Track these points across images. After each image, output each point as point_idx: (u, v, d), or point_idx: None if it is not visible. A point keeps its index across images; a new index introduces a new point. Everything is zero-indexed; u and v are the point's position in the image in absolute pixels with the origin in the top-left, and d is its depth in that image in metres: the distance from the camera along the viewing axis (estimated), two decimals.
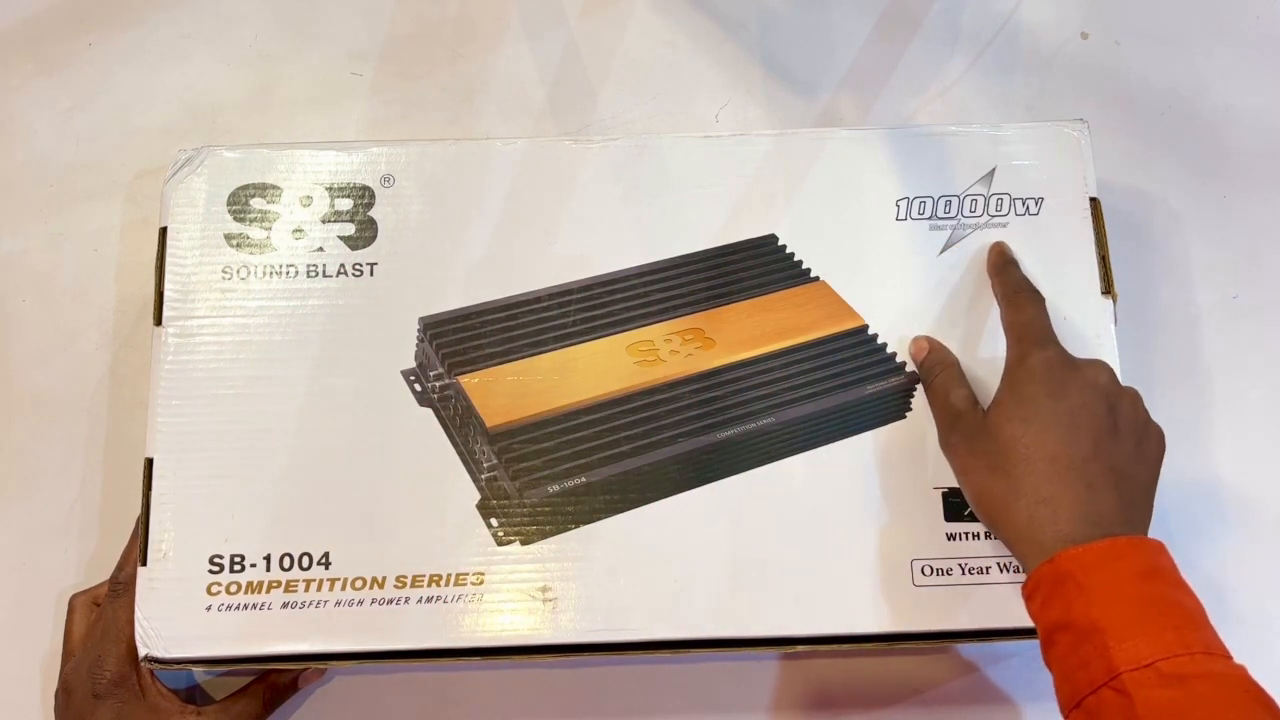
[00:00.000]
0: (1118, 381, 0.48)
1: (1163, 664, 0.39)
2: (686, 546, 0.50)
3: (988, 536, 0.51)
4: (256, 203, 0.55)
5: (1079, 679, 0.41)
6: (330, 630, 0.50)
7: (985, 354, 0.53)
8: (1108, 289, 0.54)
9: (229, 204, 0.55)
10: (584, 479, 0.51)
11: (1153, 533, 0.56)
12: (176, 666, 0.49)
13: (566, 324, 0.54)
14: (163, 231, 0.54)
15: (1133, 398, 0.48)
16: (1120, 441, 0.46)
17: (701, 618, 0.50)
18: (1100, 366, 0.48)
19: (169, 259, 0.54)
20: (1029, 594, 0.44)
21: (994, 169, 0.55)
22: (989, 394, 0.52)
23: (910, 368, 0.53)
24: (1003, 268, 0.53)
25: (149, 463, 0.51)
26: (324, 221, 0.55)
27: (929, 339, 0.52)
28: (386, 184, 0.55)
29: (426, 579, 0.50)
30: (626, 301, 0.55)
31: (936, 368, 0.51)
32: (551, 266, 0.55)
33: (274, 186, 0.55)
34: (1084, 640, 0.41)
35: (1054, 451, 0.45)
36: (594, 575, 0.50)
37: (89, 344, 0.61)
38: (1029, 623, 0.50)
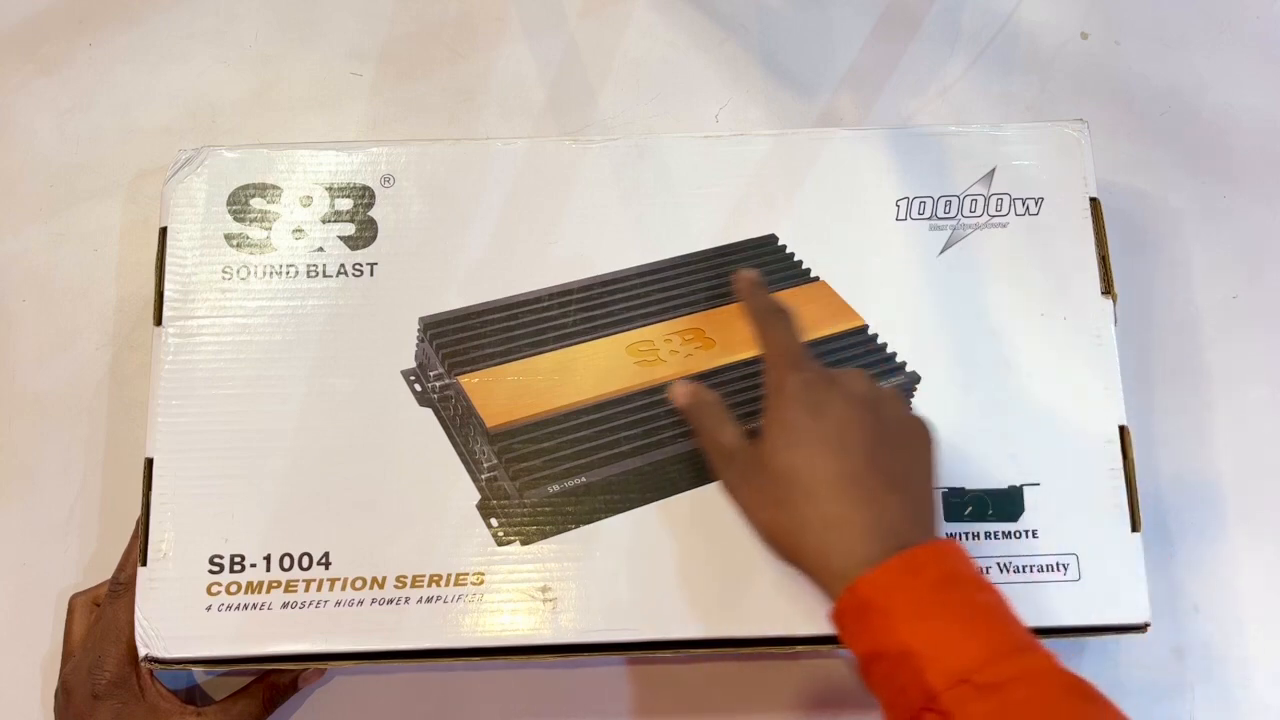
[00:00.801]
0: (875, 385, 0.47)
1: (976, 675, 0.39)
2: (686, 546, 0.50)
3: (988, 536, 0.51)
4: (256, 203, 0.55)
5: (900, 705, 0.40)
6: (330, 630, 0.50)
7: (985, 355, 0.53)
8: (1108, 289, 0.54)
9: (229, 204, 0.55)
10: (584, 479, 0.51)
11: (1153, 534, 0.57)
12: (176, 666, 0.49)
13: (566, 324, 0.54)
14: (163, 231, 0.54)
15: (892, 398, 0.47)
16: (891, 446, 0.45)
17: (701, 618, 0.50)
18: (855, 375, 0.47)
19: (169, 259, 0.54)
20: (837, 625, 0.43)
21: (994, 169, 0.55)
22: (989, 395, 0.52)
23: (910, 367, 0.53)
24: (750, 293, 0.52)
25: (149, 463, 0.51)
26: (324, 221, 0.55)
27: (685, 383, 0.51)
28: (386, 184, 0.55)
29: (426, 579, 0.50)
30: (626, 301, 0.55)
31: (699, 409, 0.49)
32: (551, 266, 0.55)
33: (274, 186, 0.55)
34: (898, 666, 0.40)
35: (831, 472, 0.44)
36: (594, 575, 0.50)
37: (89, 344, 0.61)
38: (1029, 623, 0.50)
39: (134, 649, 0.49)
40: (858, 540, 0.42)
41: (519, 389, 0.52)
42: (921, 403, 0.53)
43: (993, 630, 0.41)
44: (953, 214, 0.55)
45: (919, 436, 0.47)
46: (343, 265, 0.54)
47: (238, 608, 0.50)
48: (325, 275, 0.54)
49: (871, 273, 0.55)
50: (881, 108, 0.65)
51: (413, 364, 0.53)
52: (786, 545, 0.45)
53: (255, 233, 0.54)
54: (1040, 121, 0.56)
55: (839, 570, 0.42)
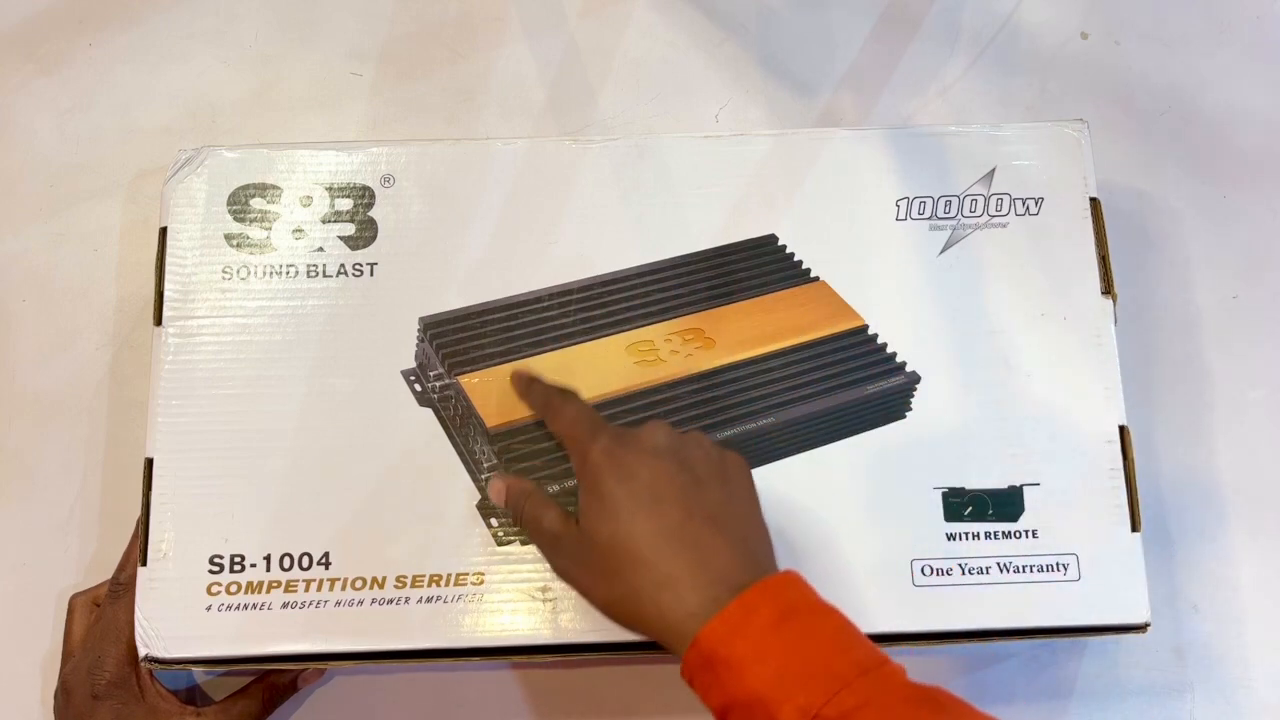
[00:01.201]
0: (675, 433, 0.46)
1: (825, 709, 0.38)
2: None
3: (988, 537, 0.51)
4: (256, 203, 0.55)
5: None
6: (330, 630, 0.50)
7: (985, 355, 0.53)
8: (1108, 289, 0.54)
9: (229, 204, 0.55)
10: None
11: (1153, 534, 0.57)
12: (176, 666, 0.49)
13: (566, 324, 0.54)
14: (163, 231, 0.54)
15: (697, 440, 0.47)
16: (705, 489, 0.45)
17: None
18: (654, 427, 0.46)
19: (169, 259, 0.54)
20: (689, 683, 0.42)
21: (994, 169, 0.55)
22: (989, 395, 0.52)
23: (910, 368, 0.53)
24: (528, 387, 0.51)
25: (149, 463, 0.51)
26: (324, 221, 0.55)
27: (501, 476, 0.50)
28: (386, 184, 0.55)
29: (426, 579, 0.50)
30: (626, 301, 0.55)
31: (520, 499, 0.49)
32: (551, 266, 0.55)
33: (274, 186, 0.55)
34: (751, 713, 0.40)
35: (649, 532, 0.43)
36: None
37: (89, 344, 0.61)
38: (1029, 623, 0.50)
39: (134, 649, 0.49)
40: (690, 594, 0.42)
41: None
42: (921, 403, 0.53)
43: (836, 656, 0.40)
44: (953, 214, 0.55)
45: (733, 470, 0.46)
46: (343, 265, 0.54)
47: (238, 608, 0.50)
48: (325, 275, 0.54)
49: (871, 273, 0.55)
50: (881, 108, 0.65)
51: (413, 364, 0.53)
52: (627, 616, 0.44)
53: (255, 233, 0.54)
54: (1040, 121, 0.56)
55: (679, 629, 0.42)
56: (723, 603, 0.41)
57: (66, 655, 0.53)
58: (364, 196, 0.55)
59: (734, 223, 0.55)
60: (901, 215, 0.55)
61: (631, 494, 0.44)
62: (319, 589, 0.50)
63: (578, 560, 0.45)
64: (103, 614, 0.52)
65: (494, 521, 0.51)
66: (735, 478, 0.46)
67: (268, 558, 0.50)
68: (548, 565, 0.50)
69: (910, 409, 0.53)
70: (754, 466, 0.51)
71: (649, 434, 0.46)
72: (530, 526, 0.48)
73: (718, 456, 0.46)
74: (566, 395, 0.50)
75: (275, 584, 0.50)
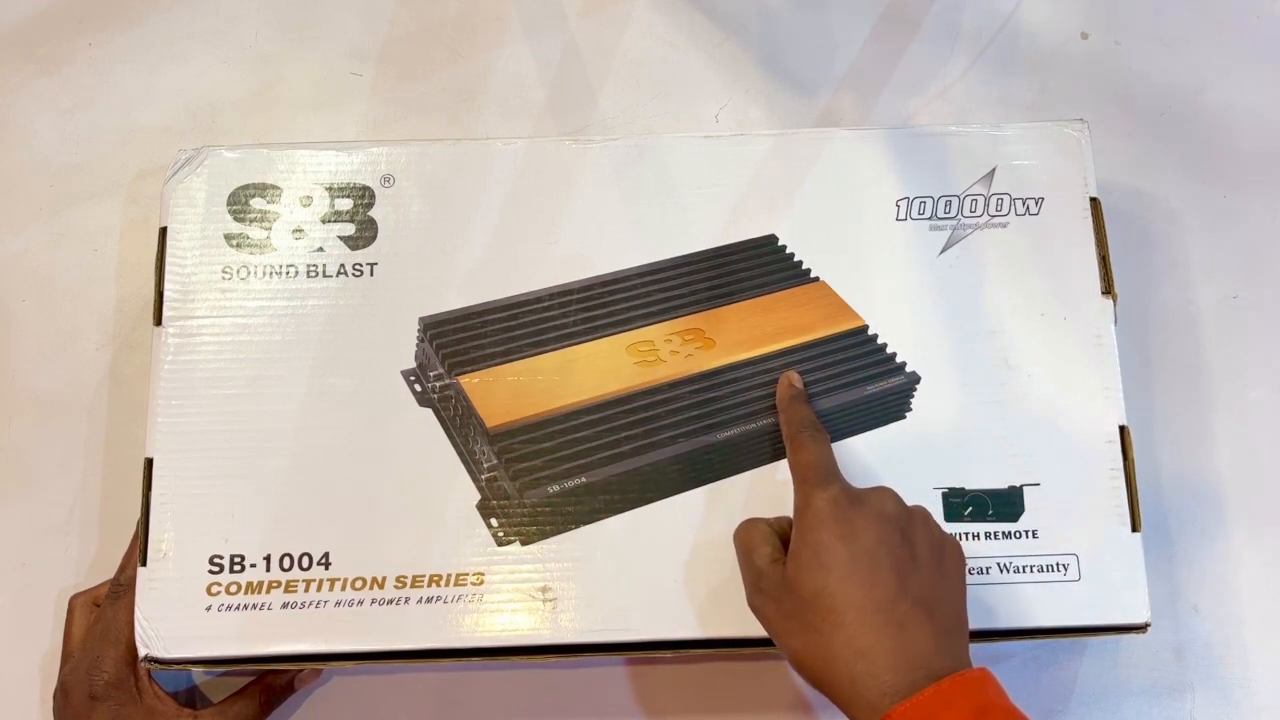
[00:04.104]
0: (904, 505, 0.46)
1: None
2: (686, 546, 0.50)
3: (988, 537, 0.51)
4: (256, 203, 0.55)
5: None
6: (330, 630, 0.50)
7: (985, 355, 0.53)
8: (1108, 289, 0.54)
9: (229, 204, 0.55)
10: (584, 479, 0.51)
11: (1153, 534, 0.57)
12: (176, 667, 0.49)
13: (566, 324, 0.54)
14: (163, 231, 0.54)
15: (923, 518, 0.46)
16: (922, 570, 0.44)
17: (701, 618, 0.50)
18: (885, 494, 0.46)
19: (169, 259, 0.54)
20: None
21: (994, 169, 0.55)
22: (989, 395, 0.52)
23: (910, 368, 0.53)
24: (789, 403, 0.51)
25: (149, 463, 0.51)
26: (324, 221, 0.55)
27: (745, 521, 0.48)
28: (386, 184, 0.55)
29: (426, 579, 0.50)
30: (626, 301, 0.55)
31: (746, 529, 0.48)
32: (551, 266, 0.55)
33: (274, 186, 0.55)
34: None
35: (859, 599, 0.43)
36: (594, 575, 0.50)
37: (89, 344, 0.61)
38: (1029, 623, 0.50)
39: (133, 650, 0.49)
40: (885, 671, 0.41)
41: (519, 389, 0.52)
42: (921, 403, 0.53)
43: None
44: (953, 214, 0.55)
45: (950, 557, 0.46)
46: (343, 265, 0.54)
47: (238, 608, 0.50)
48: (325, 275, 0.54)
49: (871, 273, 0.55)
50: (881, 108, 0.65)
51: (413, 364, 0.53)
52: (816, 673, 0.44)
53: (255, 233, 0.54)
54: (1040, 121, 0.56)
55: (869, 702, 0.41)
56: (919, 687, 0.41)
57: (66, 655, 0.53)
58: (364, 196, 0.55)
59: (734, 223, 0.55)
60: (901, 215, 0.55)
61: (850, 554, 0.43)
62: (319, 589, 0.50)
63: (775, 601, 0.45)
64: (102, 614, 0.52)
65: (494, 521, 0.51)
66: (951, 565, 0.46)
67: (268, 558, 0.50)
68: (548, 565, 0.50)
69: (910, 409, 0.53)
70: (754, 466, 0.52)
71: (878, 498, 0.45)
72: (741, 552, 0.47)
73: (938, 539, 0.46)
74: (815, 434, 0.49)
75: (275, 584, 0.50)
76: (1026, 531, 0.51)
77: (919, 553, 0.45)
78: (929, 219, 0.55)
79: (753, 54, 0.66)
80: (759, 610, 0.46)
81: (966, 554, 0.51)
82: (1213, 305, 0.62)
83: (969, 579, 0.50)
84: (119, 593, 0.52)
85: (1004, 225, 0.55)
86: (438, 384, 0.53)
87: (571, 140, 0.56)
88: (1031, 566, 0.51)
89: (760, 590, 0.46)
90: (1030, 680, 0.56)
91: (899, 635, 0.42)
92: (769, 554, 0.46)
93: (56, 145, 0.64)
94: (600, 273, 0.55)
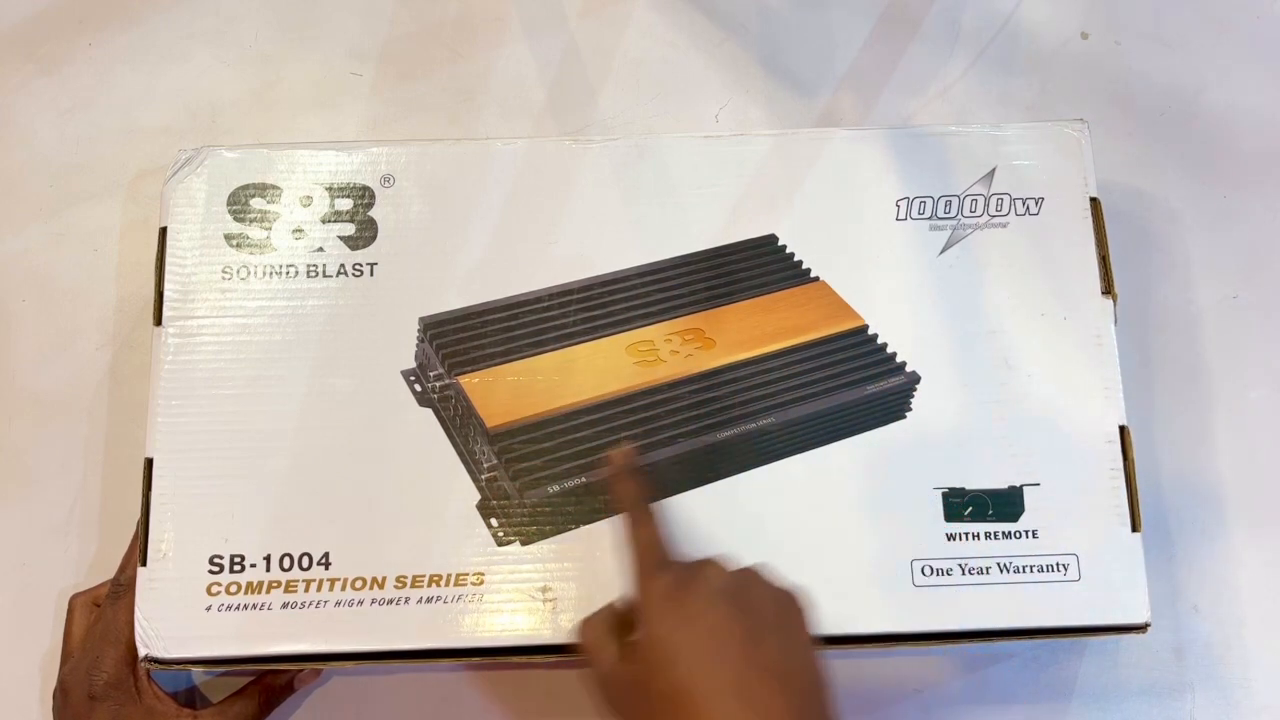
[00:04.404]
0: (732, 572, 0.45)
1: None
2: (686, 546, 0.50)
3: (988, 537, 0.51)
4: (256, 203, 0.55)
5: None
6: (330, 630, 0.50)
7: (985, 355, 0.53)
8: (1108, 289, 0.54)
9: (229, 204, 0.55)
10: (584, 479, 0.51)
11: (1153, 534, 0.57)
12: (176, 667, 0.49)
13: (566, 324, 0.54)
14: (163, 231, 0.54)
15: (755, 578, 0.45)
16: (767, 638, 0.43)
17: None
18: (713, 567, 0.44)
19: (169, 259, 0.54)
20: None
21: (994, 169, 0.55)
22: (989, 395, 0.52)
23: (910, 368, 0.53)
24: (620, 479, 0.49)
25: (149, 463, 0.51)
26: (324, 221, 0.55)
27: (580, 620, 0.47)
28: (386, 184, 0.55)
29: (426, 579, 0.50)
30: (626, 301, 0.55)
31: (585, 631, 0.46)
32: (551, 266, 0.55)
33: (274, 186, 0.55)
34: None
35: (710, 688, 0.41)
36: (594, 575, 0.50)
37: (89, 344, 0.61)
38: (1029, 623, 0.50)
39: (133, 650, 0.49)
40: None
41: (519, 389, 0.52)
42: (921, 403, 0.53)
43: None
44: (953, 214, 0.55)
45: (792, 610, 0.45)
46: (343, 265, 0.54)
47: (238, 608, 0.50)
48: (325, 275, 0.54)
49: (871, 273, 0.55)
50: (881, 108, 0.65)
51: (413, 364, 0.53)
52: None
53: (255, 233, 0.54)
54: (1040, 121, 0.56)
55: None
56: None
57: (65, 655, 0.53)
58: (364, 196, 0.55)
59: (734, 223, 0.55)
60: (901, 215, 0.55)
61: (692, 642, 0.42)
62: (319, 589, 0.50)
63: (625, 700, 0.44)
64: (102, 614, 0.52)
65: (494, 521, 0.51)
66: (795, 619, 0.44)
67: (268, 558, 0.50)
68: (548, 565, 0.50)
69: (910, 409, 0.53)
70: (754, 466, 0.52)
71: (709, 574, 0.44)
72: (586, 654, 0.46)
73: (776, 594, 0.45)
74: (646, 514, 0.47)
75: (275, 584, 0.50)
76: (1026, 531, 0.51)
77: (761, 618, 0.43)
78: (929, 219, 0.55)
79: (753, 54, 0.66)
80: (614, 711, 0.44)
81: (967, 554, 0.51)
82: (1213, 305, 0.62)
83: (971, 579, 0.50)
84: (119, 593, 0.52)
85: (1004, 225, 0.55)
86: (438, 384, 0.53)
87: (571, 140, 0.56)
88: (1031, 566, 0.51)
89: (610, 700, 0.44)
90: (1030, 680, 0.56)
91: (752, 712, 0.41)
92: (614, 653, 0.44)
93: (56, 145, 0.64)
94: (600, 273, 0.55)
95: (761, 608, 0.44)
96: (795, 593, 0.45)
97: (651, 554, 0.46)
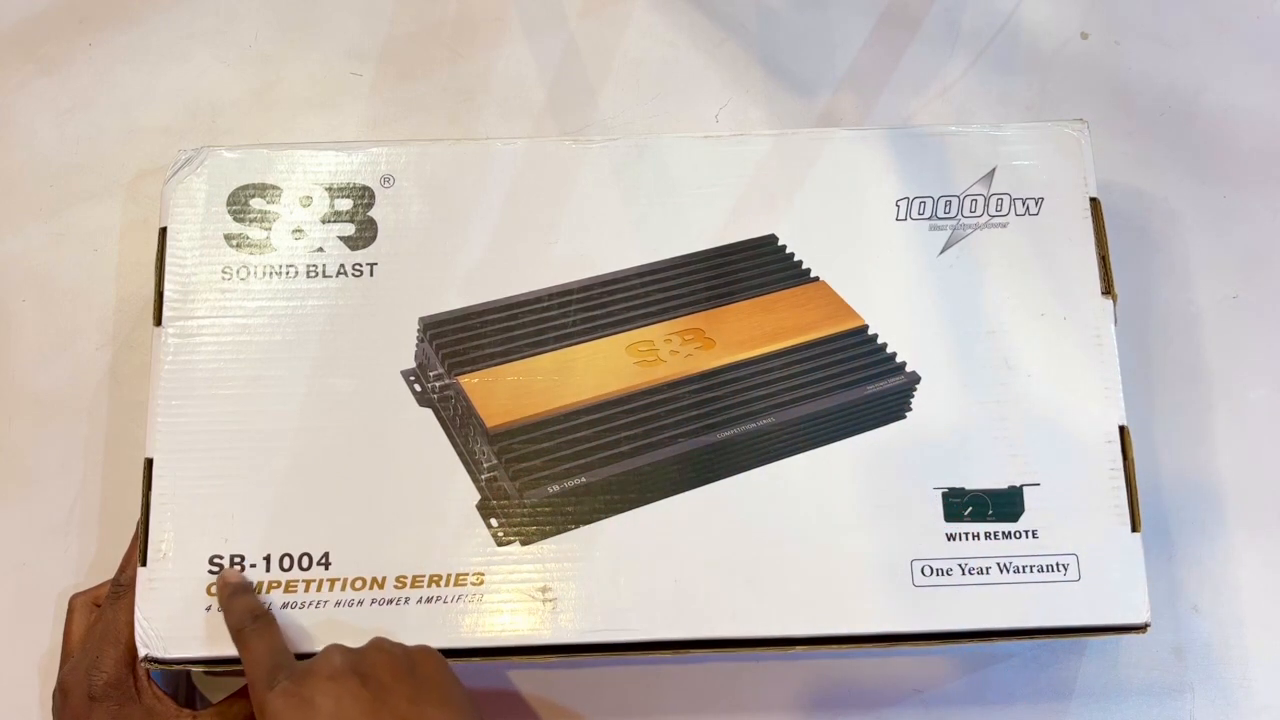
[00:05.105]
0: (353, 650, 0.46)
1: None
2: (686, 546, 0.50)
3: (988, 537, 0.51)
4: (256, 203, 0.55)
5: None
6: (330, 630, 0.50)
7: (985, 355, 0.53)
8: (1108, 289, 0.54)
9: (229, 204, 0.55)
10: (584, 479, 0.51)
11: (1153, 534, 0.57)
12: (176, 666, 0.49)
13: (566, 324, 0.54)
14: (162, 231, 0.54)
15: (377, 646, 0.46)
16: (390, 697, 0.44)
17: (701, 618, 0.50)
18: (331, 652, 0.46)
19: (169, 259, 0.54)
20: None
21: (994, 169, 0.55)
22: (989, 395, 0.52)
23: (910, 368, 0.53)
24: (230, 600, 0.49)
25: (149, 463, 0.51)
26: (324, 221, 0.55)
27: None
28: (386, 184, 0.55)
29: (426, 579, 0.50)
30: (626, 301, 0.55)
31: None
32: (551, 266, 0.55)
33: (274, 187, 0.55)
34: None
35: None
36: (594, 575, 0.50)
37: (89, 344, 0.61)
38: (1029, 623, 0.50)
39: (132, 651, 0.49)
40: None
41: (519, 389, 0.52)
42: (921, 403, 0.53)
43: None
44: (953, 214, 0.55)
45: (422, 664, 0.46)
46: (343, 265, 0.54)
47: None
48: (325, 275, 0.54)
49: (871, 273, 0.55)
50: (881, 108, 0.65)
51: (413, 364, 0.53)
52: None
53: (255, 233, 0.54)
54: (1040, 121, 0.56)
55: None
56: None
57: (65, 655, 0.53)
58: (364, 197, 0.55)
59: (734, 223, 0.55)
60: (901, 215, 0.55)
61: None
62: (319, 589, 0.50)
63: None
64: (102, 615, 0.52)
65: (494, 521, 0.51)
66: (423, 672, 0.46)
67: (268, 558, 0.50)
68: (548, 565, 0.50)
69: (910, 409, 0.53)
70: (754, 466, 0.52)
71: (325, 660, 0.45)
72: None
73: (402, 655, 0.46)
74: (258, 629, 0.48)
75: (275, 584, 0.50)
76: (1026, 531, 0.51)
77: (383, 682, 0.44)
78: (929, 219, 0.55)
79: (753, 54, 0.66)
80: None
81: (966, 554, 0.51)
82: (1213, 305, 0.62)
83: (971, 579, 0.50)
84: (119, 593, 0.52)
85: (1004, 225, 0.55)
86: (438, 384, 0.53)
87: (571, 140, 0.56)
88: (1031, 566, 0.51)
89: None
90: (1030, 680, 0.56)
91: None
92: None
93: (56, 145, 0.64)
94: (600, 273, 0.55)
95: (383, 669, 0.45)
96: (420, 647, 0.47)
97: (267, 666, 0.46)
